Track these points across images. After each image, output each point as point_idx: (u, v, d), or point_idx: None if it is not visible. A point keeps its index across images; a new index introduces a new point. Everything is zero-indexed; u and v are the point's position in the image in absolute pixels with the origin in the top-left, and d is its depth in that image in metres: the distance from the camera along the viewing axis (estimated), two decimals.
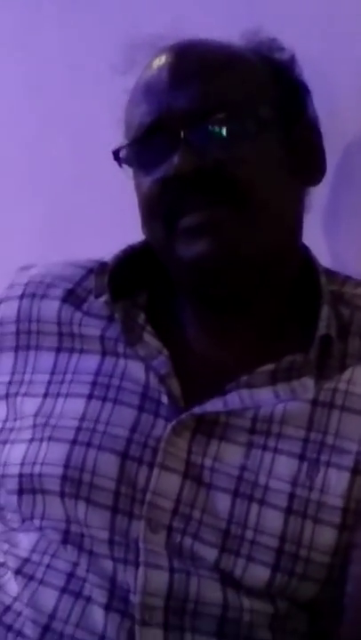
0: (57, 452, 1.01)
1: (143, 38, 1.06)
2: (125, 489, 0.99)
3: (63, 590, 1.00)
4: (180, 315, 1.08)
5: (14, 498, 1.03)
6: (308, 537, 0.96)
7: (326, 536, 0.96)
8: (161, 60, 1.02)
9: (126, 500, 0.99)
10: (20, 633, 1.02)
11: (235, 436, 0.99)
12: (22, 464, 1.03)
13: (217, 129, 0.98)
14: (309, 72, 1.08)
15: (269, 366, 1.00)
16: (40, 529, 1.02)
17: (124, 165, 1.04)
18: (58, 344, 1.08)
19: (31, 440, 1.03)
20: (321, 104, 1.08)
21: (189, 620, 0.97)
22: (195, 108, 0.98)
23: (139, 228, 1.07)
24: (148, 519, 0.98)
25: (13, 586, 1.04)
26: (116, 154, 1.04)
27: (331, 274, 1.08)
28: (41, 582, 1.01)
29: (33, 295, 1.10)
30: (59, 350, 1.08)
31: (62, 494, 1.00)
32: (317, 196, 1.10)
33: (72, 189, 1.62)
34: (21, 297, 1.11)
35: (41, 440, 1.03)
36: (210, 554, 0.97)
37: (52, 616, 1.00)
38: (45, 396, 1.06)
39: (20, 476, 1.03)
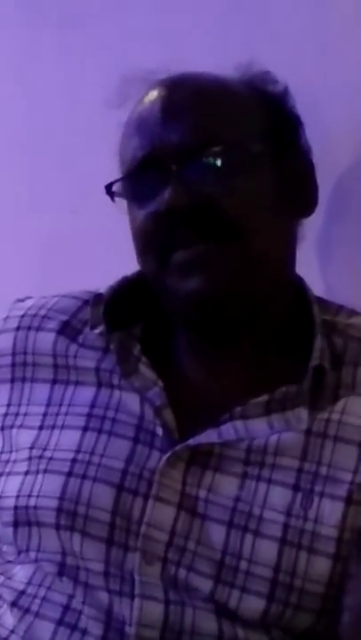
0: (52, 485, 1.01)
1: (137, 73, 1.06)
2: (120, 521, 0.99)
3: (59, 623, 1.00)
4: (175, 346, 1.08)
5: (10, 530, 1.03)
6: (303, 567, 0.96)
7: (321, 566, 0.96)
8: (154, 94, 1.03)
9: (121, 533, 0.99)
10: None
11: (229, 467, 0.99)
12: (18, 496, 1.03)
13: (208, 164, 0.99)
14: (302, 102, 1.08)
15: (263, 397, 1.00)
16: (36, 561, 1.02)
17: (119, 199, 1.05)
18: (53, 376, 1.08)
19: (26, 472, 1.04)
20: (314, 134, 1.09)
21: None
22: (186, 143, 0.99)
23: (135, 259, 1.08)
24: (143, 551, 0.98)
25: (9, 619, 1.04)
26: (108, 188, 1.04)
27: (324, 303, 1.08)
28: (37, 615, 1.02)
29: (29, 328, 1.11)
30: (54, 382, 1.08)
31: (58, 526, 1.00)
32: (311, 226, 1.10)
33: (70, 220, 1.63)
34: (17, 329, 1.12)
35: (36, 472, 1.03)
36: (205, 585, 0.97)
37: None
38: (41, 428, 1.06)
39: (16, 508, 1.03)
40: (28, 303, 1.14)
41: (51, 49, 1.68)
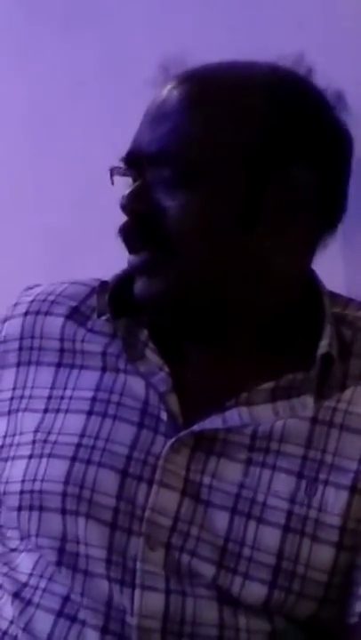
0: (57, 469, 1.02)
1: (176, 54, 1.05)
2: (125, 506, 0.99)
3: (59, 614, 1.00)
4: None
5: (14, 514, 1.03)
6: (306, 555, 0.96)
7: (324, 554, 0.96)
8: (162, 89, 1.02)
9: (125, 517, 0.99)
10: None
11: (233, 453, 0.99)
12: (23, 481, 1.03)
13: (161, 175, 0.99)
14: None
15: (269, 384, 1.00)
16: (37, 547, 1.02)
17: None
18: (58, 360, 1.08)
19: (31, 456, 1.04)
20: None
21: None
22: (149, 150, 1.00)
23: None
24: (147, 536, 0.98)
25: (9, 610, 1.04)
26: (112, 171, 1.06)
27: (334, 296, 1.08)
28: (37, 607, 1.02)
29: (37, 312, 1.11)
30: (59, 366, 1.08)
31: (63, 511, 1.00)
32: None
33: (73, 211, 1.63)
34: (25, 314, 1.12)
35: (41, 456, 1.03)
36: (208, 570, 0.97)
37: None
38: (45, 411, 1.06)
39: (21, 492, 1.03)
40: (37, 290, 1.15)
41: (53, 43, 1.70)
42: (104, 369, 1.06)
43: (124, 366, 1.05)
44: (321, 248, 1.06)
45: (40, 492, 1.02)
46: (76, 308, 1.10)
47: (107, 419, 1.03)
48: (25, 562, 1.04)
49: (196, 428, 0.99)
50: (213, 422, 0.99)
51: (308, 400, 1.00)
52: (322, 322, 1.03)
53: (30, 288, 1.16)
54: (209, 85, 1.01)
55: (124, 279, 1.09)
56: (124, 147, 1.04)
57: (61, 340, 1.09)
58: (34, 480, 1.02)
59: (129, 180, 1.04)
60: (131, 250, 1.03)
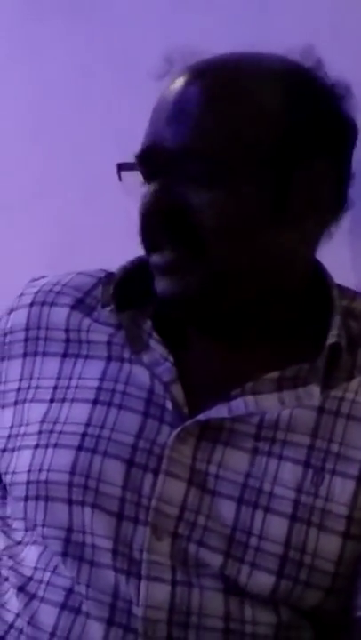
0: (63, 459, 1.01)
1: (181, 48, 1.04)
2: (131, 495, 0.99)
3: (63, 607, 1.00)
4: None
5: (21, 504, 1.04)
6: (313, 544, 0.96)
7: (331, 544, 0.96)
8: (176, 83, 1.01)
9: (131, 507, 0.99)
10: None
11: (240, 443, 0.99)
12: (29, 471, 1.03)
13: (190, 173, 0.97)
14: None
15: (275, 373, 1.00)
16: (43, 538, 1.02)
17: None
18: (64, 350, 1.08)
19: (37, 446, 1.04)
20: None
21: (193, 633, 0.97)
22: (176, 147, 0.98)
23: None
24: (154, 525, 0.98)
25: (15, 602, 1.04)
26: (119, 167, 1.04)
27: (341, 289, 1.08)
28: (42, 600, 1.02)
29: (42, 303, 1.11)
30: (64, 356, 1.08)
31: (69, 501, 1.00)
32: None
33: (81, 207, 1.64)
34: (31, 305, 1.12)
35: (47, 446, 1.03)
36: (215, 560, 0.97)
37: (52, 634, 1.00)
38: (51, 401, 1.06)
39: (28, 482, 1.03)
40: (43, 281, 1.15)
41: (59, 38, 1.70)
42: (109, 358, 1.06)
43: (128, 355, 1.05)
44: (326, 237, 1.06)
45: (46, 482, 1.02)
46: (82, 298, 1.10)
47: (112, 408, 1.03)
48: (30, 555, 1.04)
49: (201, 417, 0.99)
50: (219, 411, 0.99)
51: (315, 389, 1.00)
52: (331, 312, 1.03)
53: (36, 279, 1.16)
54: (227, 79, 1.00)
55: (130, 271, 1.09)
56: (129, 140, 1.03)
57: (67, 330, 1.09)
58: (40, 470, 1.02)
59: (138, 177, 1.02)
60: (154, 249, 1.01)
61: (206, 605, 0.97)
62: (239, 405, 1.00)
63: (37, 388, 1.08)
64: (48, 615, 1.01)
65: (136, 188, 1.03)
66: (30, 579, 1.03)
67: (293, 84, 1.01)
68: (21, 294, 1.14)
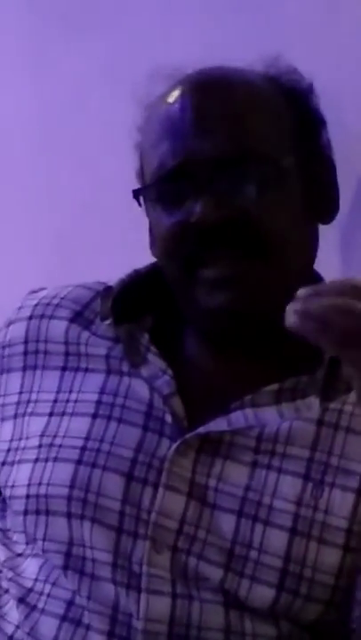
0: (62, 473, 1.01)
1: (163, 69, 1.05)
2: (130, 509, 0.99)
3: (63, 619, 1.00)
4: (185, 336, 1.09)
5: (20, 518, 1.03)
6: (313, 557, 0.96)
7: (330, 557, 0.96)
8: (184, 98, 1.01)
9: (131, 521, 0.99)
10: None
11: (239, 456, 0.99)
12: (29, 485, 1.03)
13: (240, 178, 0.98)
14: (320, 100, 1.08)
15: (274, 386, 1.00)
16: (43, 552, 1.02)
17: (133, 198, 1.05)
18: (64, 363, 1.08)
19: (36, 460, 1.04)
20: (332, 134, 1.08)
21: None
22: (219, 155, 0.98)
23: (146, 252, 1.08)
24: (153, 539, 0.97)
25: (15, 614, 1.04)
26: (136, 193, 1.04)
27: None
28: (42, 612, 1.01)
29: (41, 316, 1.11)
30: (64, 369, 1.08)
31: (69, 515, 1.00)
32: (335, 226, 1.10)
33: (80, 221, 1.64)
34: (30, 318, 1.12)
35: (46, 460, 1.03)
36: (215, 574, 0.96)
37: None
38: (51, 415, 1.06)
39: (27, 496, 1.03)
40: (42, 293, 1.14)
41: (61, 47, 1.70)
42: (108, 372, 1.06)
43: (127, 369, 1.05)
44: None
45: (45, 496, 1.01)
46: (80, 312, 1.10)
47: (112, 422, 1.02)
48: (30, 567, 1.04)
49: (201, 430, 0.99)
50: (219, 424, 0.99)
51: (314, 402, 1.00)
52: None
53: (35, 291, 1.16)
54: (238, 83, 1.02)
55: (128, 284, 1.09)
56: (131, 150, 1.04)
57: (66, 343, 1.09)
58: (39, 484, 1.02)
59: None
60: (203, 264, 1.00)
61: (206, 618, 0.97)
62: (239, 418, 1.00)
63: (37, 401, 1.08)
64: (48, 627, 1.00)
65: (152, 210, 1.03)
66: (31, 590, 1.03)
67: (281, 85, 1.04)
68: (20, 307, 1.14)
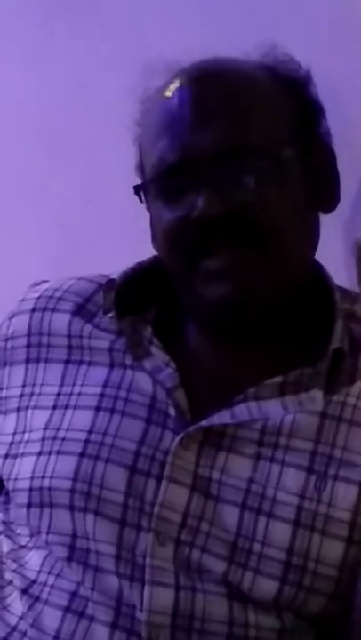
0: (66, 466, 1.01)
1: (158, 63, 1.05)
2: (133, 502, 0.99)
3: (66, 610, 1.00)
4: (188, 328, 1.08)
5: (24, 511, 1.03)
6: (316, 550, 0.96)
7: (334, 549, 0.96)
8: (183, 90, 1.01)
9: (134, 513, 0.99)
10: None
11: (243, 448, 0.99)
12: (32, 478, 1.03)
13: (241, 171, 0.97)
14: (321, 90, 1.08)
15: (277, 379, 1.00)
16: (47, 544, 1.02)
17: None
18: (67, 356, 1.09)
19: (40, 453, 1.04)
20: (334, 123, 1.08)
21: (196, 638, 0.97)
22: (219, 150, 0.97)
23: (149, 244, 1.08)
24: (157, 532, 0.98)
25: (19, 605, 1.05)
26: (137, 189, 1.04)
27: (343, 292, 1.08)
28: (45, 603, 1.02)
29: (44, 309, 1.11)
30: (67, 362, 1.08)
31: (72, 508, 1.00)
32: (338, 215, 1.10)
33: (83, 209, 1.63)
34: (32, 310, 1.12)
35: (49, 453, 1.03)
36: (218, 566, 0.97)
37: (55, 637, 1.00)
38: (54, 408, 1.06)
39: (30, 489, 1.03)
40: (44, 286, 1.15)
41: (63, 38, 1.70)
42: (112, 365, 1.06)
43: (131, 362, 1.05)
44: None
45: (49, 488, 1.02)
46: (82, 304, 1.10)
47: (115, 415, 1.03)
48: (34, 559, 1.05)
49: (205, 423, 0.99)
50: (222, 417, 0.99)
51: (317, 394, 1.00)
52: (333, 316, 1.03)
53: (37, 284, 1.16)
54: (236, 76, 1.02)
55: (130, 277, 1.09)
56: (131, 142, 1.04)
57: (69, 336, 1.09)
58: (43, 477, 1.02)
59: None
60: (205, 255, 0.99)
61: (210, 610, 0.97)
62: (242, 411, 1.00)
63: (40, 394, 1.08)
64: (51, 618, 1.01)
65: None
66: (34, 582, 1.04)
67: (278, 74, 1.04)
68: (22, 299, 1.14)
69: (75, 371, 1.07)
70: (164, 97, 1.02)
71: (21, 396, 1.09)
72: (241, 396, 1.00)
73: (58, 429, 1.04)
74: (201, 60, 1.04)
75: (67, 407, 1.05)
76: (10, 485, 1.06)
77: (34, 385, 1.09)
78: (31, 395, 1.09)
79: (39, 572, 1.03)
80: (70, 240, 1.65)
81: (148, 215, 1.07)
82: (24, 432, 1.07)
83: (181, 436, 0.99)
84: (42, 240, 1.72)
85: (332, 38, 1.26)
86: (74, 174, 1.66)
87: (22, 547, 1.07)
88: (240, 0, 1.37)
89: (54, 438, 1.04)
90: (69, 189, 1.66)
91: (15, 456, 1.07)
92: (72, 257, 1.62)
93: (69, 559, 1.01)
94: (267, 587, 0.96)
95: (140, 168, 1.07)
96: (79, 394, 1.05)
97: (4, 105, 1.80)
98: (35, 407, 1.08)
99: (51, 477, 1.02)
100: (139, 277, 1.10)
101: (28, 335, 1.11)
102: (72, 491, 1.00)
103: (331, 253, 1.09)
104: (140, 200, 1.05)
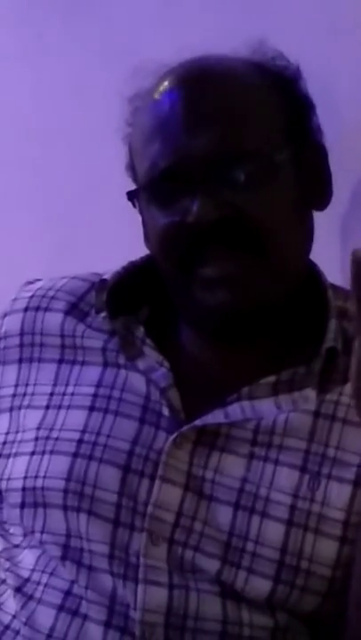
0: (59, 465, 1.01)
1: (148, 64, 1.04)
2: (127, 502, 0.99)
3: (60, 608, 1.00)
4: (181, 328, 1.08)
5: (17, 511, 1.03)
6: (309, 549, 0.96)
7: (327, 549, 0.96)
8: (173, 94, 0.99)
9: (127, 513, 0.99)
10: None
11: (236, 448, 0.99)
12: (25, 477, 1.03)
13: (235, 176, 0.97)
14: (314, 87, 1.07)
15: (271, 378, 1.00)
16: (41, 543, 1.02)
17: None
18: (60, 356, 1.08)
19: (33, 453, 1.04)
20: (327, 120, 1.07)
21: (190, 637, 0.97)
22: (212, 154, 0.96)
23: (144, 247, 1.08)
24: (150, 531, 0.98)
25: (12, 603, 1.04)
26: (130, 195, 1.03)
27: (335, 289, 1.08)
28: (39, 602, 1.02)
29: (37, 308, 1.11)
30: (60, 362, 1.08)
31: (65, 507, 1.00)
32: (332, 214, 1.09)
33: (78, 209, 1.63)
34: (25, 310, 1.12)
35: (43, 453, 1.03)
36: (211, 566, 0.97)
37: (49, 635, 1.00)
38: (47, 408, 1.06)
39: (24, 489, 1.03)
40: (37, 285, 1.14)
41: (57, 35, 1.70)
42: (105, 365, 1.06)
43: (124, 362, 1.05)
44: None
45: (42, 488, 1.01)
46: (75, 303, 1.10)
47: (108, 414, 1.02)
48: (27, 558, 1.05)
49: (198, 422, 0.99)
50: (216, 417, 0.99)
51: (311, 393, 1.00)
52: (326, 315, 1.03)
53: (30, 283, 1.16)
54: (228, 77, 1.01)
55: (123, 277, 1.09)
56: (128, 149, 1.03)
57: (62, 336, 1.09)
58: (36, 477, 1.02)
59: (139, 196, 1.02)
60: (201, 262, 0.99)
61: (203, 609, 0.97)
62: (236, 410, 1.00)
63: (33, 394, 1.08)
64: (45, 616, 1.01)
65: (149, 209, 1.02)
66: (28, 580, 1.04)
67: (268, 71, 1.03)
68: (15, 299, 1.14)
69: (68, 370, 1.07)
70: (154, 99, 1.01)
71: (14, 395, 1.09)
72: (235, 396, 1.00)
73: (51, 429, 1.04)
74: (190, 59, 1.03)
75: (60, 407, 1.05)
76: (2, 485, 1.06)
77: (27, 385, 1.09)
78: (24, 394, 1.08)
79: (33, 570, 1.03)
80: (64, 238, 1.65)
81: None
82: (17, 432, 1.07)
83: (175, 435, 0.99)
84: (35, 239, 1.72)
85: (329, 37, 1.25)
86: (69, 173, 1.66)
87: (16, 546, 1.07)
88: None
89: (47, 438, 1.04)
90: (64, 186, 1.66)
91: (8, 456, 1.06)
92: (68, 256, 1.62)
93: (63, 558, 1.01)
94: (260, 586, 0.96)
95: (132, 168, 1.06)
96: (72, 394, 1.05)
97: (0, 101, 1.80)
98: (28, 407, 1.07)
99: (44, 477, 1.02)
100: (131, 277, 1.09)
101: (21, 334, 1.11)
102: (65, 491, 1.00)
103: (327, 253, 1.09)
104: (134, 205, 1.04)
